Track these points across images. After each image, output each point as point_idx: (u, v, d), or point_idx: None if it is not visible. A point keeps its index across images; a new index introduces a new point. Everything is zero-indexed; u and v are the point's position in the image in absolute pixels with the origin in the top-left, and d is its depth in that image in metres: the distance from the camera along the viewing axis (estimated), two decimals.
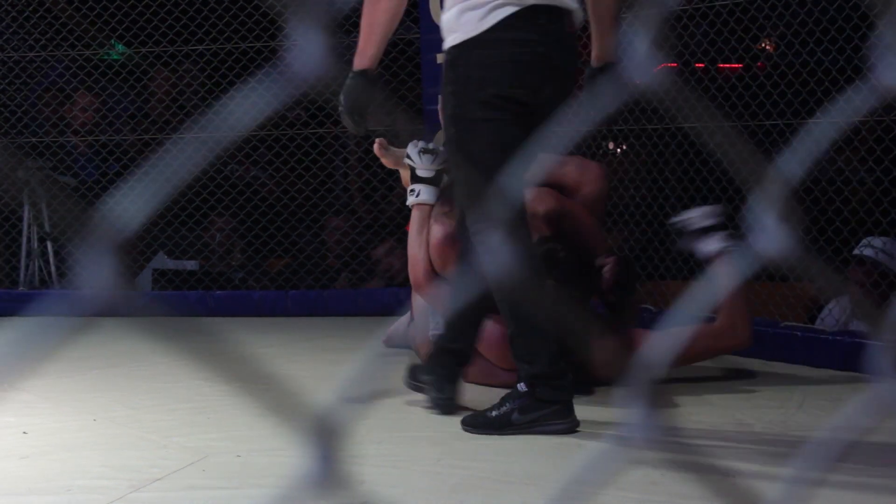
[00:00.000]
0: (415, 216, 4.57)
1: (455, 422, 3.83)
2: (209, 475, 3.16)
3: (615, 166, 6.17)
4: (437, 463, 3.28)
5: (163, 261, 7.08)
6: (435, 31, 6.25)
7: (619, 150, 6.28)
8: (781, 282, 5.14)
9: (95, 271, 0.92)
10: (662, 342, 1.26)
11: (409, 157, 4.51)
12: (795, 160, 1.27)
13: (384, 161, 4.70)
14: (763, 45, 6.07)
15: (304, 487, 0.98)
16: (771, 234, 1.14)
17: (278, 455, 3.20)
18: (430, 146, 4.51)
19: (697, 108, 1.44)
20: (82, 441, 3.62)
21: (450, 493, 3.01)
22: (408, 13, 6.84)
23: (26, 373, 0.94)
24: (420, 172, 4.52)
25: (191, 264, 7.02)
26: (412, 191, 4.55)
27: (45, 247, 6.77)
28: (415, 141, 4.54)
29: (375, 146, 4.67)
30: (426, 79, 6.35)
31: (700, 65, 5.78)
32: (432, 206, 4.55)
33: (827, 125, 1.34)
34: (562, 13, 3.68)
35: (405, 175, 4.68)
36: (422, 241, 4.53)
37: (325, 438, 0.98)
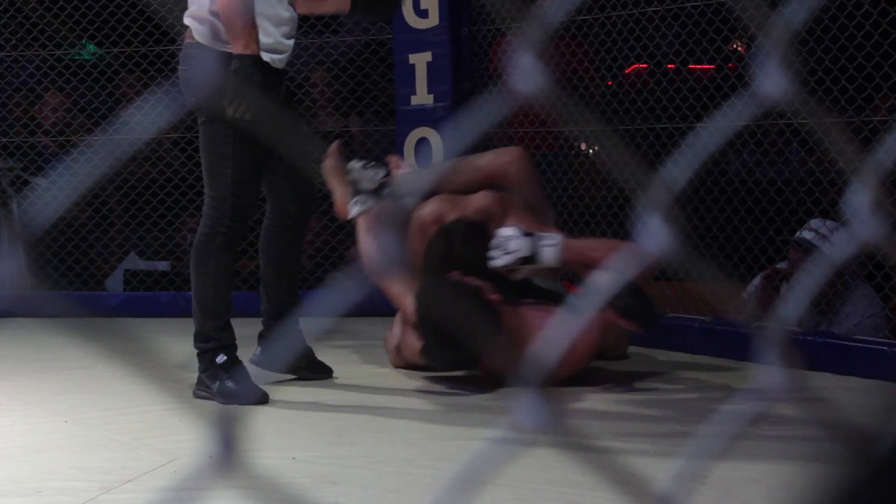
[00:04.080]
0: (361, 223, 4.75)
1: (430, 422, 3.84)
2: (180, 477, 3.15)
3: (587, 167, 6.19)
4: (409, 463, 3.29)
5: (134, 261, 7.05)
6: (408, 32, 6.28)
7: (591, 150, 6.29)
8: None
9: (8, 269, 0.92)
10: (555, 333, 1.33)
11: (350, 172, 4.74)
12: (680, 164, 1.32)
13: (328, 169, 4.81)
14: (734, 46, 6.09)
15: (205, 471, 1.01)
16: (655, 235, 1.20)
17: (250, 455, 3.19)
18: (371, 163, 4.77)
19: (584, 115, 1.52)
20: (53, 443, 3.61)
21: (423, 493, 3.01)
22: None
23: None
24: (364, 186, 4.73)
25: (163, 265, 7.00)
26: (356, 202, 4.74)
27: (17, 247, 6.73)
28: (354, 160, 4.78)
29: (333, 147, 4.80)
30: (399, 79, 6.35)
31: (671, 66, 5.80)
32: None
33: (712, 130, 1.40)
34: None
35: (339, 194, 4.79)
36: (371, 239, 4.70)
37: (226, 423, 1.01)
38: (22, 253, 0.93)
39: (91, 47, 7.27)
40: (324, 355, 4.58)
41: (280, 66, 4.23)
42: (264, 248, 4.55)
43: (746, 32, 5.71)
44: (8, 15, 7.04)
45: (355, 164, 4.73)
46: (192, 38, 4.18)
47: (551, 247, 4.30)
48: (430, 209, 4.71)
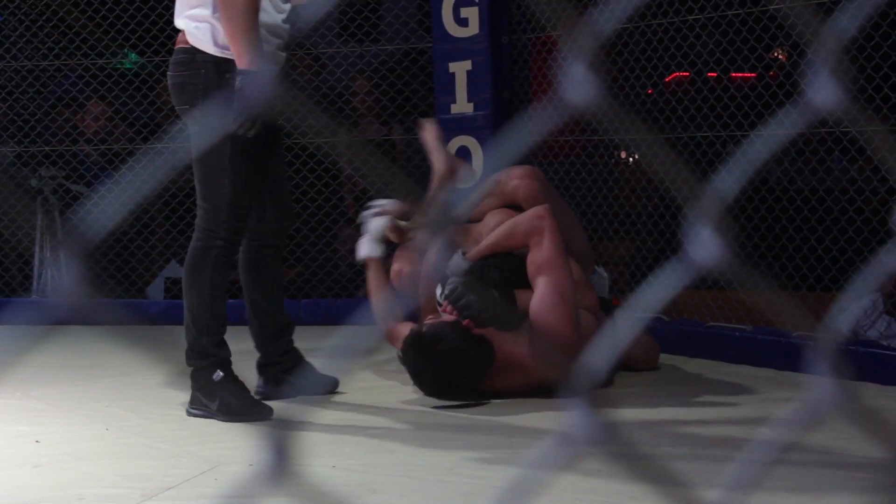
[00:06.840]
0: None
1: (469, 432, 3.83)
2: (221, 484, 3.16)
3: (627, 175, 6.17)
4: (449, 472, 3.28)
5: (175, 269, 7.09)
6: (448, 41, 6.28)
7: (630, 159, 6.27)
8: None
9: (64, 279, 0.93)
10: (604, 346, 1.33)
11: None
12: (732, 174, 1.32)
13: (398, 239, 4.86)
14: (775, 54, 6.07)
15: (259, 481, 1.03)
16: (706, 246, 1.20)
17: (302, 466, 3.20)
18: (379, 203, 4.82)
19: (636, 123, 1.50)
20: (94, 450, 3.63)
21: (462, 501, 3.00)
22: (420, 22, 6.86)
23: None
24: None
25: None
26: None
27: (58, 255, 6.78)
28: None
29: (391, 232, 4.79)
30: (439, 88, 6.35)
31: (712, 74, 5.78)
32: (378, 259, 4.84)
33: (765, 139, 1.40)
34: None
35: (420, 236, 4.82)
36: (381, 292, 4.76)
37: (279, 433, 1.02)
38: (78, 262, 0.94)
39: (133, 56, 7.31)
40: (357, 366, 4.59)
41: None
42: (249, 272, 4.36)
43: (787, 41, 5.69)
44: (51, 24, 7.09)
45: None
46: (187, 42, 3.99)
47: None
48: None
